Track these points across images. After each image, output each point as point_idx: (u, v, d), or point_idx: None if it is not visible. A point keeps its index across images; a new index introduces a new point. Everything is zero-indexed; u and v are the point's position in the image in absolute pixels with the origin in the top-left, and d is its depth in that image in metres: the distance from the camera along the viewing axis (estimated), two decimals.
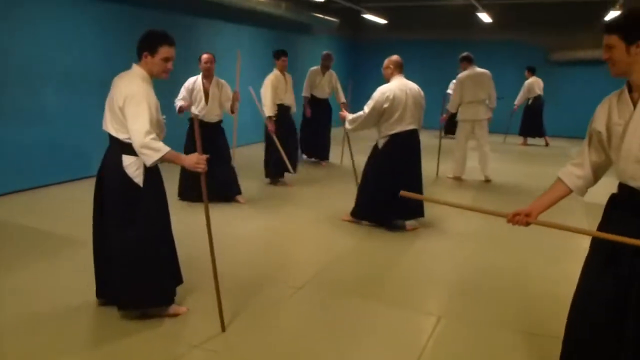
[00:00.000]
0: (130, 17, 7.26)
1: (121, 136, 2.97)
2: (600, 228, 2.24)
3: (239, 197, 6.05)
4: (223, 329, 3.06)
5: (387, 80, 4.95)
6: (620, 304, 2.11)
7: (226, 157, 5.98)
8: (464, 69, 7.41)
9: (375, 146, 5.11)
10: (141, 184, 3.01)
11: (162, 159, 2.92)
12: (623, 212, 2.18)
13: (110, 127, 3.01)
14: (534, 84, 11.25)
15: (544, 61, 12.21)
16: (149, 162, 2.92)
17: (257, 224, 5.34)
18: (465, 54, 7.51)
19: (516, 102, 11.28)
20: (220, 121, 5.98)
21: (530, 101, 11.35)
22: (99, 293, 3.27)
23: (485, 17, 11.45)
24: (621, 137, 2.15)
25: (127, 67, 3.08)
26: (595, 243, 2.28)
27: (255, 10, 9.08)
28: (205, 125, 5.81)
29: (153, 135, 2.89)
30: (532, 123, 11.40)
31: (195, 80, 5.84)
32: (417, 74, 13.52)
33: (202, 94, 5.81)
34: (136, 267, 3.06)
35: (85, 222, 3.35)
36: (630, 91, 2.16)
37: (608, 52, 2.14)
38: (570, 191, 2.34)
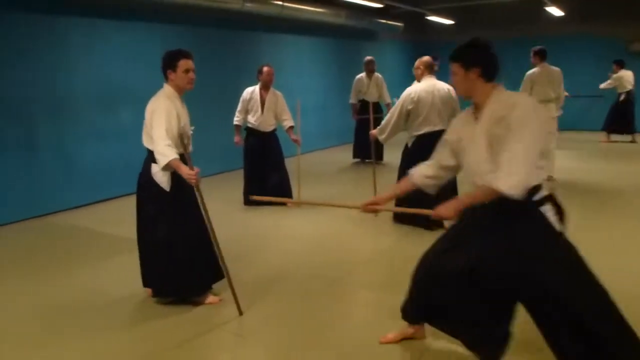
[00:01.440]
0: (194, 36, 7.76)
1: (150, 147, 3.37)
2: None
3: (289, 204, 6.25)
4: (240, 313, 3.40)
5: (417, 81, 5.02)
6: (465, 277, 2.46)
7: (279, 164, 6.24)
8: (535, 65, 7.11)
9: (405, 146, 5.23)
10: (168, 189, 3.37)
11: (169, 165, 3.23)
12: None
13: (144, 139, 3.43)
14: (625, 78, 10.59)
15: (623, 53, 11.52)
16: (160, 166, 3.27)
17: (305, 225, 5.57)
18: (538, 47, 7.15)
19: (603, 85, 10.71)
20: (275, 130, 6.24)
21: (622, 97, 10.69)
22: (145, 283, 3.67)
23: (555, 11, 11.03)
24: (465, 151, 2.48)
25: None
26: (450, 226, 2.69)
27: (315, 20, 9.32)
28: (260, 134, 6.18)
29: (168, 142, 3.24)
30: (621, 119, 10.73)
31: (253, 90, 6.15)
32: None
33: (258, 103, 6.10)
34: (166, 261, 3.46)
35: None
36: (476, 109, 2.46)
37: (453, 77, 2.49)
38: (417, 187, 2.72)
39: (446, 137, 2.63)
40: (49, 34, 6.05)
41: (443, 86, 4.98)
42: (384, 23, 11.30)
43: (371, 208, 2.71)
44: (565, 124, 11.58)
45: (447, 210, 2.39)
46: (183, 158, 3.32)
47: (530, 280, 2.34)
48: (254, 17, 8.41)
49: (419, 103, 4.88)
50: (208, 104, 7.69)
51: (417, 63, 5.10)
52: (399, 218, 5.35)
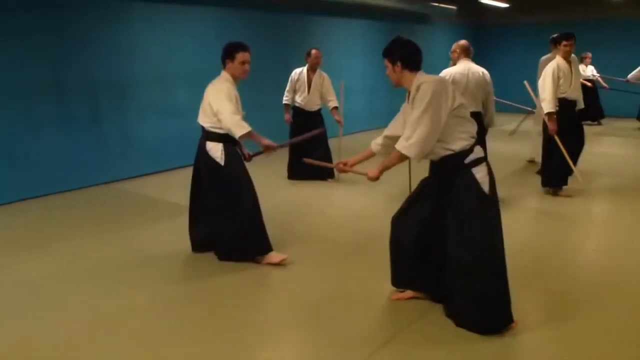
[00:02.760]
0: (247, 20, 8.19)
1: (206, 125, 3.84)
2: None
3: (330, 179, 6.67)
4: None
5: (454, 64, 5.21)
6: (425, 232, 3.05)
7: (322, 142, 6.58)
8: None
9: None
10: (222, 164, 3.84)
11: (249, 135, 3.73)
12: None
13: (200, 118, 3.89)
14: None
15: None
16: (237, 135, 3.71)
17: (343, 198, 6.02)
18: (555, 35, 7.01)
19: (629, 76, 10.17)
20: (320, 109, 6.60)
21: None
22: (193, 247, 4.22)
23: None
24: None
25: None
26: (416, 188, 3.25)
27: (365, 3, 9.51)
28: (305, 113, 6.56)
29: (239, 116, 3.76)
30: None
31: (301, 72, 6.55)
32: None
33: (305, 84, 6.49)
34: (222, 227, 3.96)
35: None
36: (408, 94, 3.00)
37: (387, 70, 3.02)
38: (374, 153, 3.32)
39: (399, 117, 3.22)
40: (114, 18, 6.64)
41: (478, 69, 5.15)
42: (435, 6, 11.34)
43: (340, 167, 3.35)
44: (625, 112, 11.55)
45: (372, 172, 3.10)
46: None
47: (447, 224, 2.96)
48: (304, 1, 8.71)
49: (453, 85, 5.07)
50: (260, 84, 8.10)
51: (454, 46, 5.28)
52: None
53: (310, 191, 6.25)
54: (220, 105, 3.72)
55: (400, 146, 2.91)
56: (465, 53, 5.22)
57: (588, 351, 2.82)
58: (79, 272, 3.95)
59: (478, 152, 2.93)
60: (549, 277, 3.78)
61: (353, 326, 3.10)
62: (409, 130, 2.88)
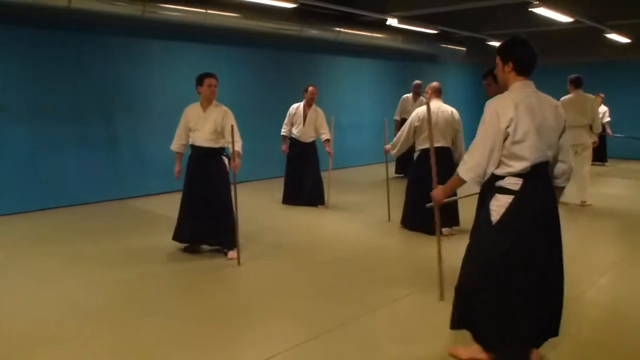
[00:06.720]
0: (257, 57, 8.98)
1: None
2: None
3: (320, 206, 7.19)
4: (239, 263, 4.79)
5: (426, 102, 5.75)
6: None
7: (315, 171, 7.18)
8: (570, 92, 7.35)
9: (412, 158, 5.99)
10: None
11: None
12: None
13: None
14: None
15: None
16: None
17: (326, 222, 6.55)
18: (574, 75, 7.38)
19: None
20: (314, 141, 7.21)
21: None
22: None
23: (616, 37, 11.17)
24: None
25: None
26: None
27: (371, 44, 10.17)
28: (301, 144, 7.18)
29: (177, 137, 5.21)
30: None
31: (298, 106, 7.20)
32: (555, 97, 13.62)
33: (301, 118, 7.13)
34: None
35: None
36: None
37: (497, 68, 2.88)
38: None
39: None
40: (132, 54, 7.52)
41: (447, 108, 5.70)
42: (443, 47, 11.90)
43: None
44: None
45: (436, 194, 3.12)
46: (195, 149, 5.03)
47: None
48: (312, 41, 9.41)
49: (424, 121, 5.61)
50: (267, 117, 8.77)
51: (427, 88, 5.85)
52: (405, 223, 6.10)
53: (300, 215, 6.81)
54: None
55: (459, 169, 2.85)
56: (437, 94, 5.78)
57: None
58: (81, 262, 4.79)
59: (509, 183, 2.74)
60: None
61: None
62: (466, 155, 2.83)
